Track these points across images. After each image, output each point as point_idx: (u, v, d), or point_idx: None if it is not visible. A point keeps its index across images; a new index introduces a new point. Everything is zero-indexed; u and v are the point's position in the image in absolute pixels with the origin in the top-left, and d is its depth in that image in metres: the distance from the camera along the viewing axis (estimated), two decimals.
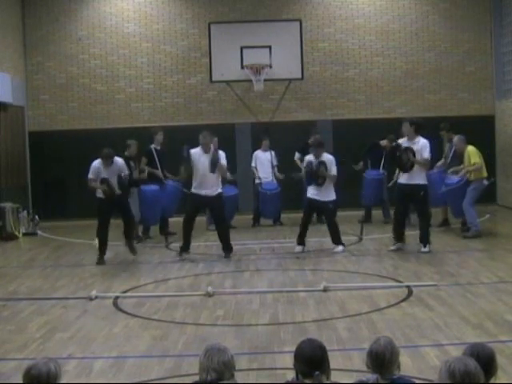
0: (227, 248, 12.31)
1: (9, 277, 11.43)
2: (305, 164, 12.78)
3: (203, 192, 12.04)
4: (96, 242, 12.41)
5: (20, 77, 17.90)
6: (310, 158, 12.60)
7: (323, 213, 12.73)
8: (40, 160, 18.09)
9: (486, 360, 3.68)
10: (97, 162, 12.13)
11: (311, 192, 12.49)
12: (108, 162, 12.05)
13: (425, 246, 12.08)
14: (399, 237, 12.30)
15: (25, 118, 18.15)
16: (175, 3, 18.45)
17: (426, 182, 12.13)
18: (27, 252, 14.15)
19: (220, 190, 12.29)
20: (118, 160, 12.28)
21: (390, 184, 14.95)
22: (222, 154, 13.18)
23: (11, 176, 16.92)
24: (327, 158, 12.48)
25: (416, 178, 11.95)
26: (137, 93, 18.41)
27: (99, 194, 12.18)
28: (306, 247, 12.52)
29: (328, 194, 12.42)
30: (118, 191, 12.05)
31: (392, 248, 12.22)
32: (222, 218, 12.51)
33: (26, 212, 16.11)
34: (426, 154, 11.90)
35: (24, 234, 15.65)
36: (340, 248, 12.43)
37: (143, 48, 18.37)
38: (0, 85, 16.08)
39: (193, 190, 12.20)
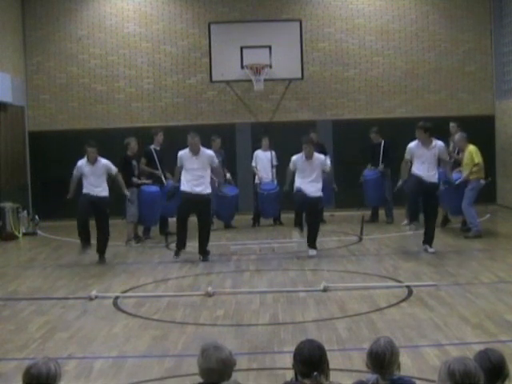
0: (205, 251, 12.18)
1: (9, 277, 11.44)
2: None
3: (193, 190, 11.87)
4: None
5: (20, 77, 17.90)
6: (298, 158, 12.14)
7: (312, 209, 12.13)
8: (40, 160, 18.10)
9: (498, 364, 3.67)
10: (82, 161, 12.39)
11: (304, 186, 11.98)
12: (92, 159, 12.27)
13: (431, 247, 12.10)
14: (415, 215, 12.08)
15: (25, 118, 18.15)
16: (175, 3, 18.45)
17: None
18: (27, 252, 14.16)
19: (209, 191, 12.11)
20: (103, 160, 12.41)
21: (398, 186, 14.80)
22: (210, 153, 12.27)
23: (11, 176, 16.92)
24: (319, 158, 12.17)
25: (434, 176, 12.02)
26: (137, 93, 18.41)
27: (86, 189, 12.30)
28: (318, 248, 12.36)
29: (319, 190, 12.16)
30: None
31: (411, 227, 12.10)
32: (207, 221, 12.36)
33: (26, 212, 16.11)
34: (446, 156, 12.27)
35: (24, 234, 15.65)
36: (315, 252, 12.19)
37: (143, 48, 18.38)
38: (0, 85, 16.08)
39: (182, 188, 12.05)
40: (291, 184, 12.30)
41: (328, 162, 12.96)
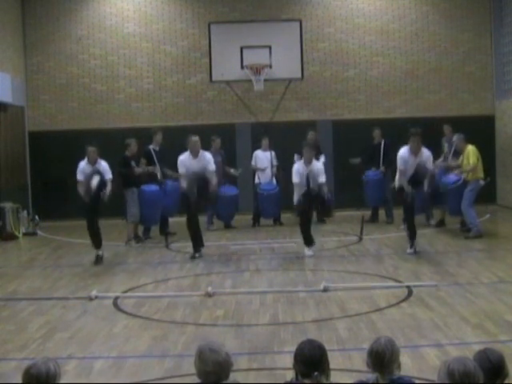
0: (200, 243, 12.34)
1: (9, 277, 11.43)
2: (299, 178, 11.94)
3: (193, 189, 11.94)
4: None
5: (20, 77, 17.90)
6: (299, 166, 12.01)
7: (320, 203, 12.08)
8: (40, 160, 18.10)
9: (497, 363, 3.67)
10: (82, 163, 12.34)
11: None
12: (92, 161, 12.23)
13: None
14: (414, 235, 12.06)
15: (25, 118, 18.15)
16: (175, 3, 18.45)
17: None
18: (27, 252, 14.16)
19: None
20: (102, 162, 12.34)
21: (392, 185, 14.83)
22: (209, 156, 12.22)
23: (11, 176, 16.92)
24: (317, 166, 12.05)
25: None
26: (137, 93, 18.41)
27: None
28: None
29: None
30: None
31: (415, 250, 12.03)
32: (207, 197, 12.23)
33: (25, 212, 16.12)
34: (431, 165, 12.00)
35: (24, 234, 15.65)
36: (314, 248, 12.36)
37: (143, 48, 18.38)
38: (0, 85, 16.09)
39: (184, 192, 12.15)
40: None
41: (322, 159, 13.19)
